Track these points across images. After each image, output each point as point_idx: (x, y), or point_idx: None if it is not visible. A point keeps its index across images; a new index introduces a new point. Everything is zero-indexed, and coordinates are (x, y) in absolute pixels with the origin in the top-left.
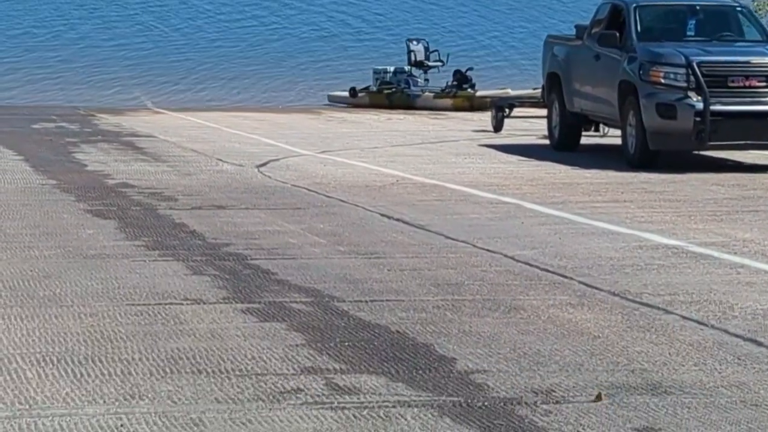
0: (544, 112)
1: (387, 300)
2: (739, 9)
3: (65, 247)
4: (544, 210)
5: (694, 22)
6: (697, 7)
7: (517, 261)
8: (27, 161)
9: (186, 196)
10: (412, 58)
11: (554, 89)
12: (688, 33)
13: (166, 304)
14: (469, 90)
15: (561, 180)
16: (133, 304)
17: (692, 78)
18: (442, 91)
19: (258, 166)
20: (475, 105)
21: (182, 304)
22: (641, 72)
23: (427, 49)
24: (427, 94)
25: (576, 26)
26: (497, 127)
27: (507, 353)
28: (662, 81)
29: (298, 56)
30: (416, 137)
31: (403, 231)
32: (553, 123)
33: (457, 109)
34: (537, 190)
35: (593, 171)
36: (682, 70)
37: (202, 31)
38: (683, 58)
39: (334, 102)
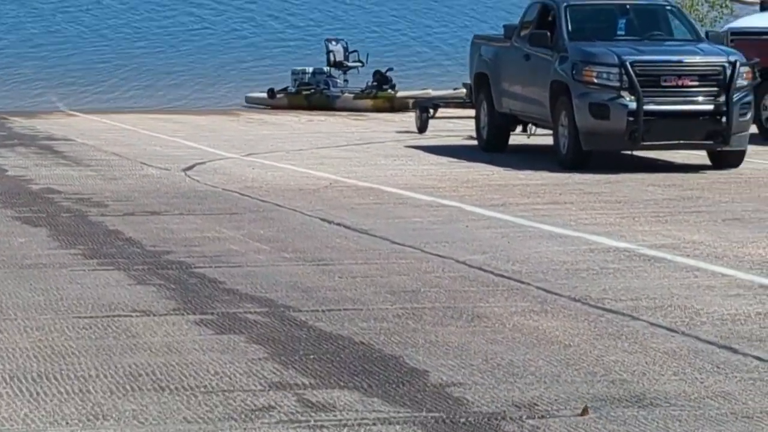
0: (468, 112)
1: (344, 309)
2: (669, 8)
3: None
4: (486, 213)
5: (624, 21)
6: (628, 7)
7: (470, 266)
8: None
9: (115, 201)
10: (331, 59)
11: (482, 90)
12: (619, 32)
13: (114, 316)
14: (389, 91)
15: (496, 182)
16: (79, 317)
17: (625, 77)
18: (362, 91)
19: (184, 170)
20: (395, 106)
21: (131, 316)
22: (574, 72)
23: (346, 49)
24: (346, 95)
25: (504, 26)
26: (422, 128)
27: (479, 364)
28: (595, 81)
29: (212, 58)
30: (340, 139)
31: (347, 236)
32: (481, 124)
33: (377, 110)
34: (474, 192)
35: (526, 172)
36: (615, 70)
37: (115, 32)
38: (616, 57)
39: (252, 104)
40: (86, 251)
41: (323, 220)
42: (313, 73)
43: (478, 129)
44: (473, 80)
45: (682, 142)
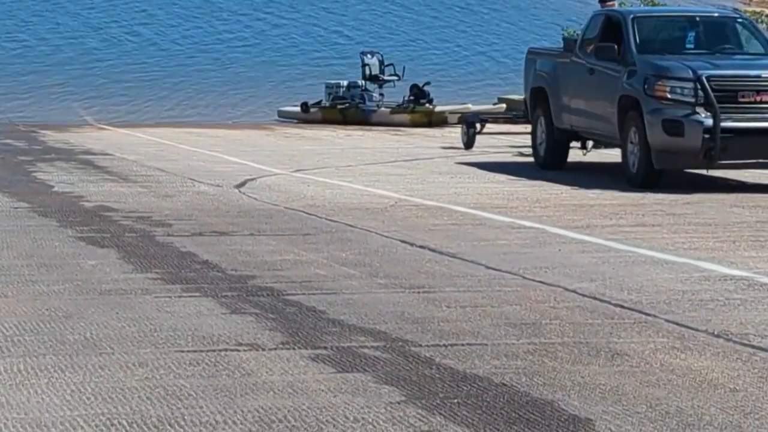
0: (514, 128)
1: (468, 344)
2: (740, 20)
3: (73, 281)
4: (573, 235)
5: (694, 34)
6: (697, 19)
7: (582, 295)
8: None
9: (178, 220)
10: (367, 72)
11: (540, 105)
12: (688, 45)
13: (220, 350)
14: (427, 105)
15: (568, 201)
16: (182, 351)
17: (701, 93)
18: (399, 106)
19: (237, 187)
20: (433, 121)
21: (238, 350)
22: (645, 86)
23: (382, 62)
24: (382, 109)
25: (564, 39)
26: (468, 144)
27: (646, 412)
28: (668, 96)
29: (243, 71)
30: (385, 155)
31: (436, 260)
32: (538, 140)
33: (414, 125)
34: (550, 212)
35: (595, 191)
36: (690, 85)
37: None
38: (690, 71)
39: (285, 118)
40: (165, 275)
41: (403, 242)
42: (348, 87)
43: (534, 145)
44: (530, 95)
45: (760, 161)
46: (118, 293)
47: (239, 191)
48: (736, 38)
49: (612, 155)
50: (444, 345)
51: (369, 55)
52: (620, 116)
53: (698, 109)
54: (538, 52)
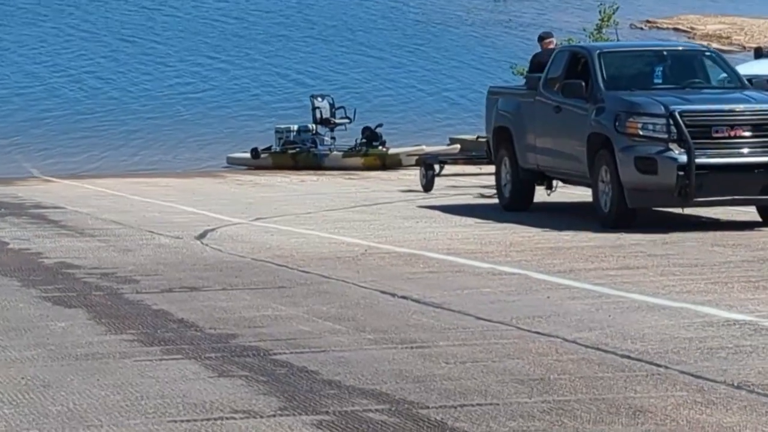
0: (472, 169)
1: (478, 404)
2: (708, 53)
3: (45, 346)
4: (558, 280)
5: (661, 68)
6: (665, 53)
7: (585, 346)
8: None
9: (144, 276)
10: (318, 116)
11: (503, 145)
12: (656, 81)
13: (215, 419)
14: (380, 147)
15: (544, 244)
16: (175, 421)
17: (673, 129)
18: (351, 149)
19: (197, 238)
20: (387, 163)
21: (234, 418)
22: (617, 123)
23: (332, 105)
24: (335, 153)
25: (526, 77)
26: (428, 186)
27: None
28: (640, 132)
29: (186, 117)
30: (344, 200)
31: (423, 312)
32: (503, 181)
33: (368, 168)
34: (528, 257)
35: (568, 233)
36: (662, 120)
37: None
38: (662, 107)
39: (234, 164)
40: (141, 336)
41: (384, 292)
42: (299, 131)
43: (499, 187)
44: (492, 135)
45: (737, 197)
46: (95, 358)
47: (201, 243)
48: (703, 72)
49: (577, 194)
50: (452, 406)
51: (319, 98)
52: (590, 154)
53: (671, 146)
54: (499, 91)
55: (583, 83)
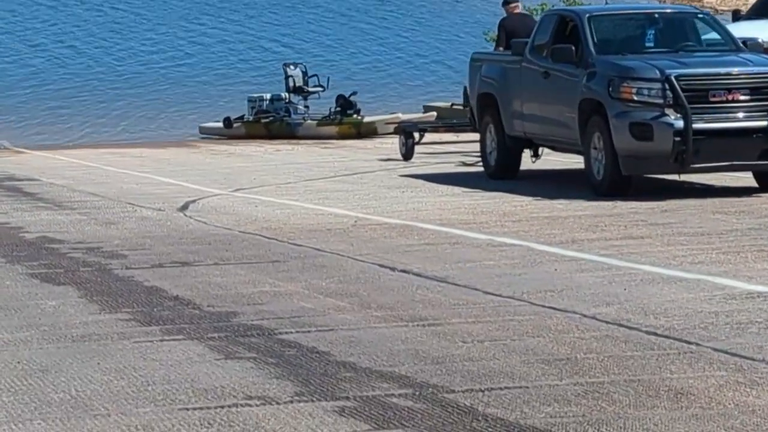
0: (447, 137)
1: (506, 387)
2: (700, 16)
3: (38, 327)
4: (562, 252)
5: (653, 31)
6: (656, 15)
7: (605, 322)
8: None
9: (131, 250)
10: (291, 84)
11: (488, 112)
12: (648, 44)
13: (229, 406)
14: (355, 116)
15: (538, 214)
16: (187, 408)
17: (669, 93)
18: (325, 118)
19: (180, 210)
20: (363, 132)
21: (250, 405)
22: (610, 88)
23: (305, 73)
24: (309, 121)
25: (512, 42)
26: (407, 155)
27: None
28: (635, 98)
29: (158, 86)
30: (323, 169)
31: (427, 286)
32: (488, 149)
33: (343, 136)
34: (524, 226)
35: (561, 201)
36: (658, 85)
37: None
38: (658, 71)
39: (207, 134)
40: (137, 315)
41: (382, 266)
42: (272, 100)
43: (484, 155)
44: (476, 102)
45: (734, 163)
46: (92, 339)
47: (184, 215)
48: (695, 35)
49: (562, 161)
50: (479, 390)
51: (292, 67)
52: (581, 121)
53: (667, 111)
54: (483, 57)
55: (573, 48)
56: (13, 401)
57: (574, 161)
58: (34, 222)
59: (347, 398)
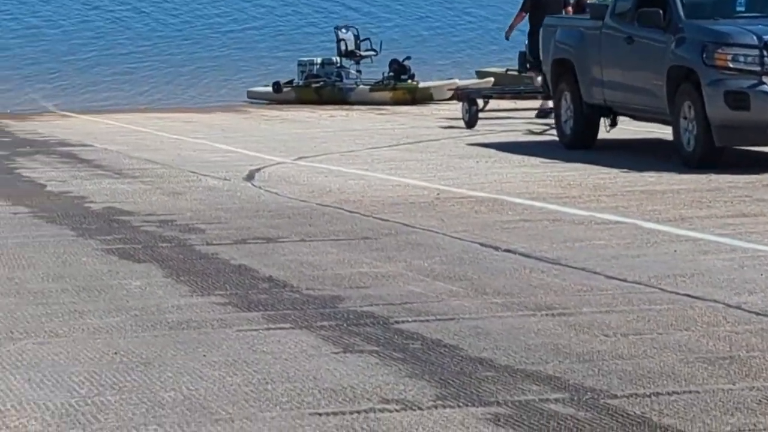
0: (511, 104)
1: (674, 393)
2: None
3: (127, 311)
4: (674, 230)
5: None
6: None
7: (755, 313)
8: None
9: (207, 224)
10: (342, 48)
11: (563, 78)
12: (739, 8)
13: (366, 411)
14: (410, 81)
15: (631, 187)
16: (318, 413)
17: (766, 60)
18: (379, 83)
19: (247, 180)
20: (417, 98)
21: (389, 410)
22: (704, 55)
23: (357, 37)
24: (361, 87)
25: (590, 6)
26: (470, 122)
27: None
28: (730, 65)
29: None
30: (384, 137)
31: (541, 269)
32: (563, 117)
33: (397, 102)
34: (622, 202)
35: (651, 174)
36: (755, 51)
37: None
38: (755, 37)
39: (255, 99)
40: (232, 299)
41: (483, 245)
42: (322, 64)
43: (559, 124)
44: (551, 68)
45: None
46: (191, 326)
47: (252, 185)
48: None
49: (633, 129)
50: (644, 395)
51: (344, 30)
52: (670, 89)
53: (765, 79)
54: (558, 22)
55: (662, 12)
56: (120, 401)
57: (650, 130)
58: (96, 191)
59: (497, 403)
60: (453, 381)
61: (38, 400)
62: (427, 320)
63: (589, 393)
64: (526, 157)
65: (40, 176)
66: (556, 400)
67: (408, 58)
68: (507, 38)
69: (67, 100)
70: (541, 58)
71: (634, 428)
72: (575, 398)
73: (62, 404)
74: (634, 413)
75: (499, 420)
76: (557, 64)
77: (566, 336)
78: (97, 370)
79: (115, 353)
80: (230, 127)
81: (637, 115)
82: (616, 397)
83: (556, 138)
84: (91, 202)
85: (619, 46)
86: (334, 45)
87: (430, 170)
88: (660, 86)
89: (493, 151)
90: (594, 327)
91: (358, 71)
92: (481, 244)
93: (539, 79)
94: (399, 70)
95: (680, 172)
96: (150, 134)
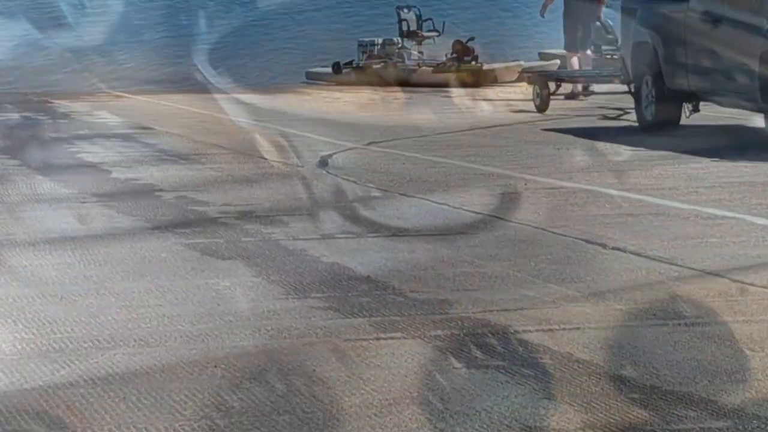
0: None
1: None
2: None
3: (221, 316)
4: None
5: None
6: None
7: None
8: (28, 166)
9: (288, 216)
10: (404, 28)
11: (644, 62)
12: None
13: None
14: (473, 63)
15: (728, 179)
16: None
17: None
18: (442, 64)
19: (320, 167)
20: (482, 80)
21: None
22: None
23: (419, 17)
24: (424, 68)
25: None
26: (542, 106)
27: None
28: None
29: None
30: (454, 121)
31: (658, 270)
32: (643, 102)
33: (461, 84)
34: (722, 194)
35: (745, 164)
36: None
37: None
38: None
39: (314, 79)
40: (333, 303)
41: (588, 242)
42: (383, 45)
43: (639, 108)
44: (631, 51)
45: None
46: (293, 335)
47: (327, 172)
48: None
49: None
50: None
51: (405, 10)
52: (762, 75)
53: None
54: (637, 4)
55: None
56: (229, 426)
57: (726, 115)
58: (164, 178)
59: None
60: (597, 405)
61: (138, 423)
62: (550, 329)
63: (755, 421)
64: (609, 144)
65: (102, 161)
66: (719, 430)
67: (472, 38)
68: (542, 16)
69: (122, 82)
70: (619, 41)
71: None
72: (741, 427)
73: (166, 429)
74: None
75: None
76: (638, 47)
77: (707, 350)
78: (198, 387)
79: (215, 366)
80: (291, 109)
81: (724, 102)
82: None
83: (634, 123)
84: (161, 190)
85: (706, 29)
86: (396, 25)
87: (509, 158)
88: (752, 72)
89: (571, 137)
90: (735, 340)
91: (420, 52)
92: (586, 241)
93: (573, 60)
94: (462, 51)
95: None
96: (209, 116)
